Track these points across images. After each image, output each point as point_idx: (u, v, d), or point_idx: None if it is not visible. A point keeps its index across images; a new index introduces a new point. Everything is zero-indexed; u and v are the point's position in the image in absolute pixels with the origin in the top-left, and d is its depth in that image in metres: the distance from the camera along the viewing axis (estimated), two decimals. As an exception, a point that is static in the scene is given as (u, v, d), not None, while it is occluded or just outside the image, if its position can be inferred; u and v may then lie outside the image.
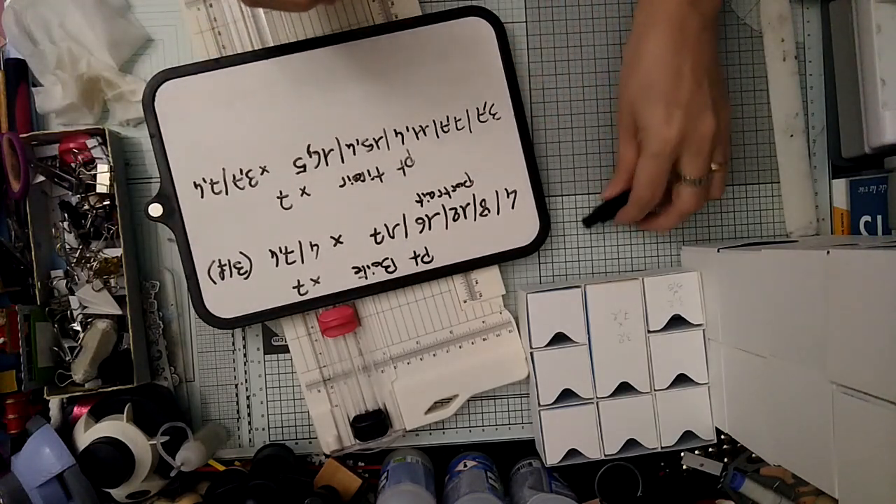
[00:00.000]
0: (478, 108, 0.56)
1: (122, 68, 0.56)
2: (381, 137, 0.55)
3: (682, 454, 0.58)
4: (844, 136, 0.57)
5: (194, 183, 0.53)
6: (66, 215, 0.55)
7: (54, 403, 0.55)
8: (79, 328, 0.54)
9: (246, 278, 0.54)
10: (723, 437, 0.57)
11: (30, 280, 0.55)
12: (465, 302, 0.57)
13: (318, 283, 0.55)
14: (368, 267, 0.55)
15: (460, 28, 0.55)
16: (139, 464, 0.51)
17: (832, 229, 0.60)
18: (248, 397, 0.58)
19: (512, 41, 0.57)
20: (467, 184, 0.56)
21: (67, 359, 0.54)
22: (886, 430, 0.35)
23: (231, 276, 0.54)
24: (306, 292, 0.54)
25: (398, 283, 0.55)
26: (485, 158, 0.56)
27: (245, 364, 0.58)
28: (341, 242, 0.55)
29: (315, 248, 0.55)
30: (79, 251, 0.55)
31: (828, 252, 0.39)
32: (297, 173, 0.54)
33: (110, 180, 0.54)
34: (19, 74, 0.56)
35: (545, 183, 0.58)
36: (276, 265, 0.54)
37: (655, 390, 0.54)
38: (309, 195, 0.54)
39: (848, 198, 0.58)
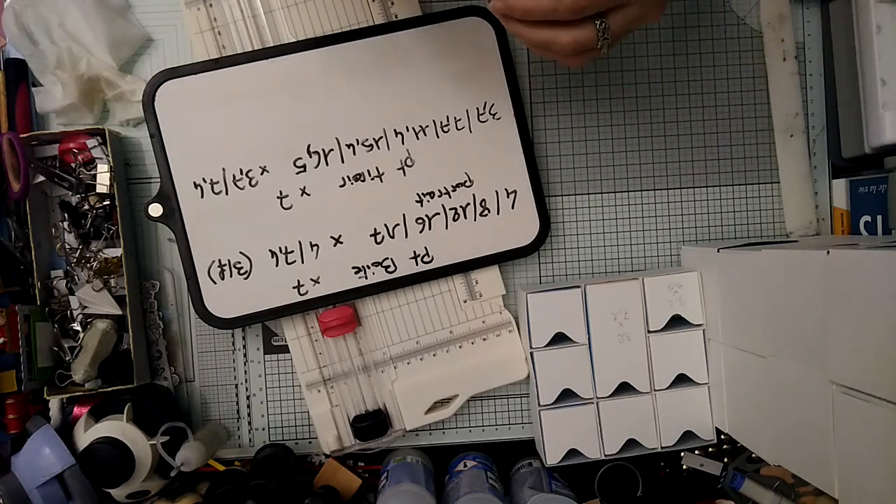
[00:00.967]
0: (478, 108, 0.56)
1: (122, 68, 0.56)
2: (381, 137, 0.55)
3: (682, 454, 0.58)
4: (844, 136, 0.57)
5: (194, 183, 0.53)
6: (66, 215, 0.55)
7: (54, 403, 0.55)
8: (79, 328, 0.54)
9: (246, 278, 0.54)
10: (723, 437, 0.57)
11: (30, 280, 0.55)
12: (465, 302, 0.57)
13: (318, 283, 0.55)
14: (368, 267, 0.55)
15: (460, 28, 0.55)
16: (139, 464, 0.51)
17: (832, 229, 0.60)
18: (248, 397, 0.58)
19: (512, 41, 0.57)
20: (467, 184, 0.56)
21: (67, 359, 0.54)
22: (886, 430, 0.35)
23: (231, 276, 0.54)
24: (306, 292, 0.54)
25: (398, 283, 0.55)
26: (485, 158, 0.56)
27: (245, 364, 0.58)
28: (341, 242, 0.55)
29: (315, 248, 0.55)
30: (79, 251, 0.55)
31: (828, 252, 0.39)
32: (297, 173, 0.54)
33: (110, 180, 0.54)
34: (19, 74, 0.56)
35: (545, 183, 0.58)
36: (276, 265, 0.54)
37: (655, 390, 0.54)
38: (309, 195, 0.54)
39: (848, 198, 0.58)
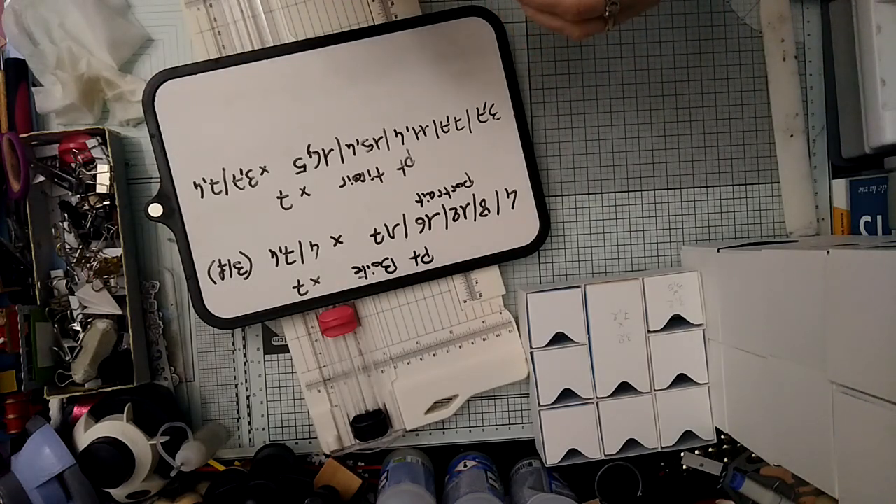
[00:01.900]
0: (478, 108, 0.56)
1: (122, 68, 0.56)
2: (381, 137, 0.55)
3: (682, 454, 0.58)
4: (844, 136, 0.57)
5: (194, 183, 0.53)
6: (66, 215, 0.55)
7: (54, 403, 0.55)
8: (79, 328, 0.54)
9: (246, 278, 0.54)
10: (723, 437, 0.57)
11: (30, 280, 0.55)
12: (465, 302, 0.57)
13: (318, 283, 0.55)
14: (368, 267, 0.55)
15: (460, 28, 0.55)
16: (139, 464, 0.51)
17: (832, 229, 0.60)
18: (248, 397, 0.58)
19: (512, 41, 0.57)
20: (467, 184, 0.56)
21: (67, 359, 0.54)
22: (886, 430, 0.35)
23: (231, 276, 0.54)
24: (306, 292, 0.54)
25: (398, 283, 0.55)
26: (485, 158, 0.56)
27: (245, 364, 0.58)
28: (341, 242, 0.55)
29: (315, 248, 0.55)
30: (79, 251, 0.55)
31: (828, 252, 0.39)
32: (297, 173, 0.54)
33: (110, 180, 0.54)
34: (19, 74, 0.56)
35: (545, 183, 0.58)
36: (276, 265, 0.54)
37: (655, 390, 0.54)
38: (309, 195, 0.54)
39: (848, 198, 0.58)
